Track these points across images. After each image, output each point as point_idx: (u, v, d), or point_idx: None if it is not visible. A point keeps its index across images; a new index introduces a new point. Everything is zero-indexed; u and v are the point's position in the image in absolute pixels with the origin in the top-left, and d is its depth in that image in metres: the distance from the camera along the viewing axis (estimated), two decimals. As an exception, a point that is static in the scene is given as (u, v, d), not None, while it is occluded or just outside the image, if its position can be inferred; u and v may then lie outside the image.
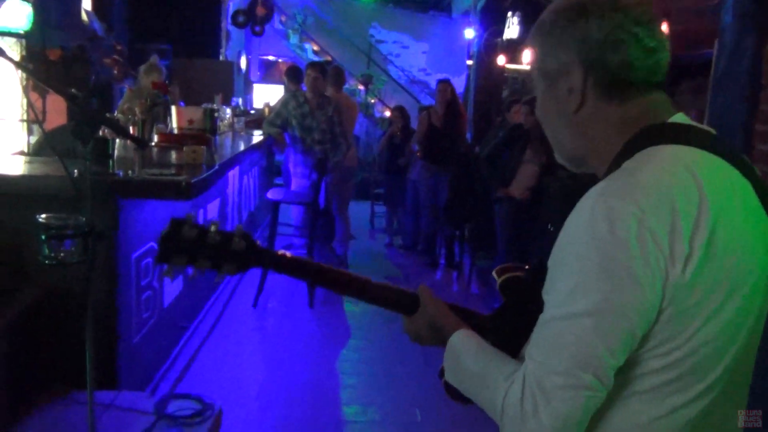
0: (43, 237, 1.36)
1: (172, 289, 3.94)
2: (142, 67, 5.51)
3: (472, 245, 6.43)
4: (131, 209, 3.17)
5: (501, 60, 8.64)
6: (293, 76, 6.79)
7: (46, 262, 1.41)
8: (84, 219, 1.42)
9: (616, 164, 1.01)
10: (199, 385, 3.55)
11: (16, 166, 3.22)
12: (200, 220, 4.51)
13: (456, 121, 6.60)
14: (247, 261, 1.20)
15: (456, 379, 1.12)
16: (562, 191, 5.44)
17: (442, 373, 1.17)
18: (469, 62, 10.08)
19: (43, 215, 1.43)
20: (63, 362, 2.99)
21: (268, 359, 4.35)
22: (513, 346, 1.17)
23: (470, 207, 6.06)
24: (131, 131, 3.51)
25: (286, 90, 6.98)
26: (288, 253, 1.27)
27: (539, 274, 1.04)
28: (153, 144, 3.84)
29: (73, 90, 1.81)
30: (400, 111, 7.60)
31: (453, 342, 1.14)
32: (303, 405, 3.68)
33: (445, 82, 6.66)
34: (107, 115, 3.29)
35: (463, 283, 6.30)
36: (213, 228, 1.17)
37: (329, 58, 12.23)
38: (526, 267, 1.29)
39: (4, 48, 1.70)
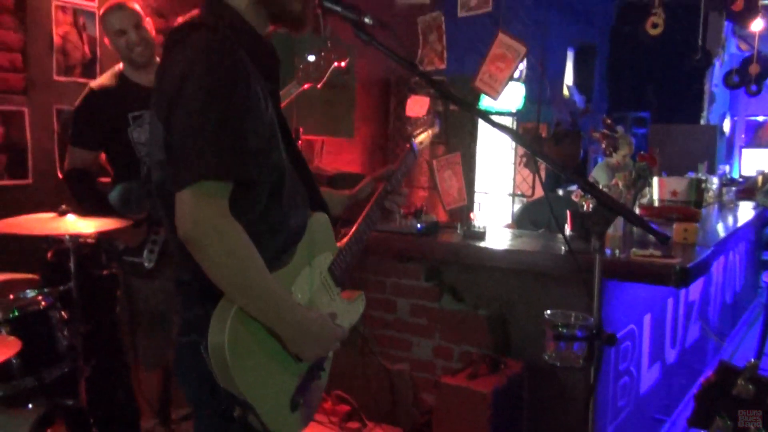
0: (550, 335, 1.27)
1: (650, 375, 3.61)
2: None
3: None
4: (613, 289, 3.00)
5: None
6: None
7: (553, 362, 1.31)
8: (592, 320, 1.28)
9: None
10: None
11: (505, 241, 3.35)
12: (679, 302, 4.09)
13: None
14: None
15: None
16: None
17: None
18: None
19: (550, 311, 1.34)
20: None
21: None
22: None
23: None
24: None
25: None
26: None
27: None
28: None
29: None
30: None
31: None
32: None
33: None
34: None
35: None
36: None
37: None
38: None
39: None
